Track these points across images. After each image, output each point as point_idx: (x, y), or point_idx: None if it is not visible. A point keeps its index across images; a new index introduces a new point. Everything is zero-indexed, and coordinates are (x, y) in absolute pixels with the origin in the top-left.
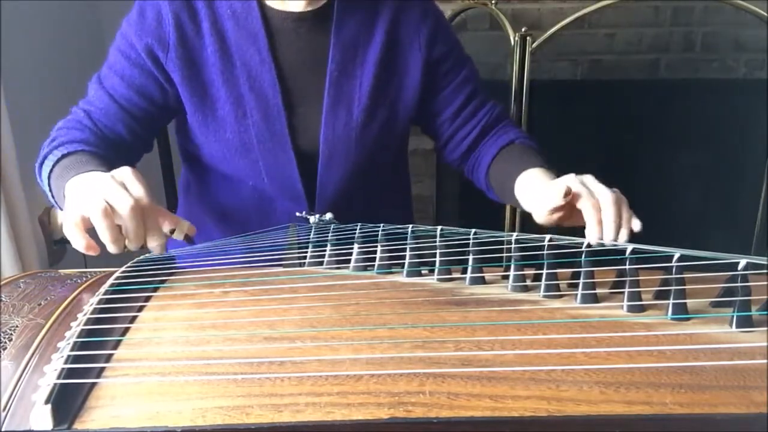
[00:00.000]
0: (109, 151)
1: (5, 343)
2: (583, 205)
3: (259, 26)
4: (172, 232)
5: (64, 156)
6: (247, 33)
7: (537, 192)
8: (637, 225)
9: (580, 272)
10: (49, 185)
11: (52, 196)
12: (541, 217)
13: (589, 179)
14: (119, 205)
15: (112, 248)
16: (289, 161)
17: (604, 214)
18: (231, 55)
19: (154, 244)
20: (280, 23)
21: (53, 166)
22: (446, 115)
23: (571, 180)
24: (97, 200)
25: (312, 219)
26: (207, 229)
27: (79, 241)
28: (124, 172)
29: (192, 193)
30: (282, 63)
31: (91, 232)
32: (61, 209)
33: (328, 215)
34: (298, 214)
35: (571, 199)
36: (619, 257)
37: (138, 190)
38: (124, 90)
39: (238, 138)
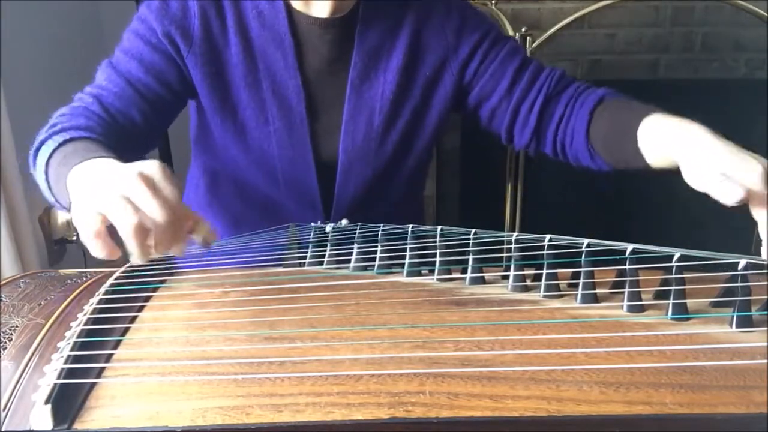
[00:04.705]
0: (117, 141)
1: (5, 343)
2: (760, 218)
3: (286, 30)
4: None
5: (66, 141)
6: (272, 36)
7: (696, 155)
8: None
9: (580, 272)
10: (46, 174)
11: (48, 187)
12: (697, 186)
13: None
14: (155, 216)
15: (139, 261)
16: (308, 169)
17: None
18: (255, 58)
19: (177, 250)
20: (307, 29)
21: (53, 152)
22: (500, 93)
23: (753, 179)
24: (125, 210)
25: (327, 228)
26: (216, 229)
27: (99, 250)
28: (154, 168)
29: (200, 193)
30: (306, 69)
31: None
32: (59, 203)
33: (344, 221)
34: (313, 224)
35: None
36: (619, 257)
37: (172, 193)
38: (142, 74)
39: (257, 144)
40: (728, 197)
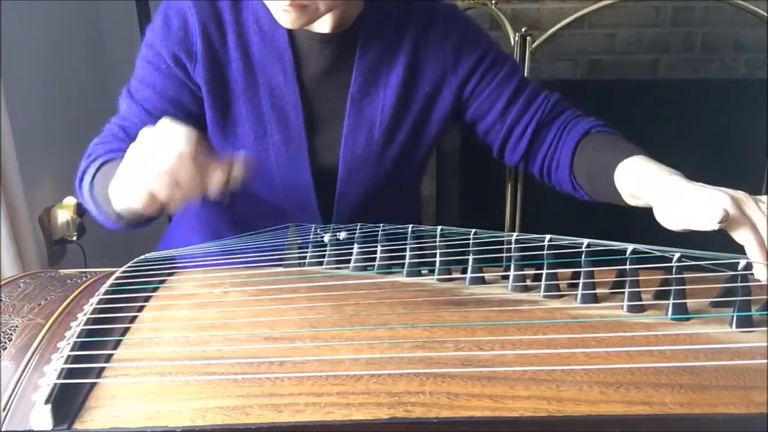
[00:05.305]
0: None
1: (5, 343)
2: (746, 240)
3: (286, 45)
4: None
5: (104, 163)
6: (272, 51)
7: (668, 196)
8: None
9: (580, 272)
10: (92, 194)
11: (97, 206)
12: (673, 226)
13: (748, 204)
14: (174, 153)
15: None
16: (307, 181)
17: None
18: (254, 72)
19: (215, 181)
20: (307, 43)
21: (95, 173)
22: (495, 113)
23: (725, 202)
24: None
25: (326, 238)
26: (216, 234)
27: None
28: (160, 135)
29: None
30: (306, 84)
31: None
32: (107, 216)
33: (342, 234)
34: (312, 228)
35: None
36: (619, 257)
37: (178, 145)
38: (158, 102)
39: (256, 156)
40: (710, 219)
